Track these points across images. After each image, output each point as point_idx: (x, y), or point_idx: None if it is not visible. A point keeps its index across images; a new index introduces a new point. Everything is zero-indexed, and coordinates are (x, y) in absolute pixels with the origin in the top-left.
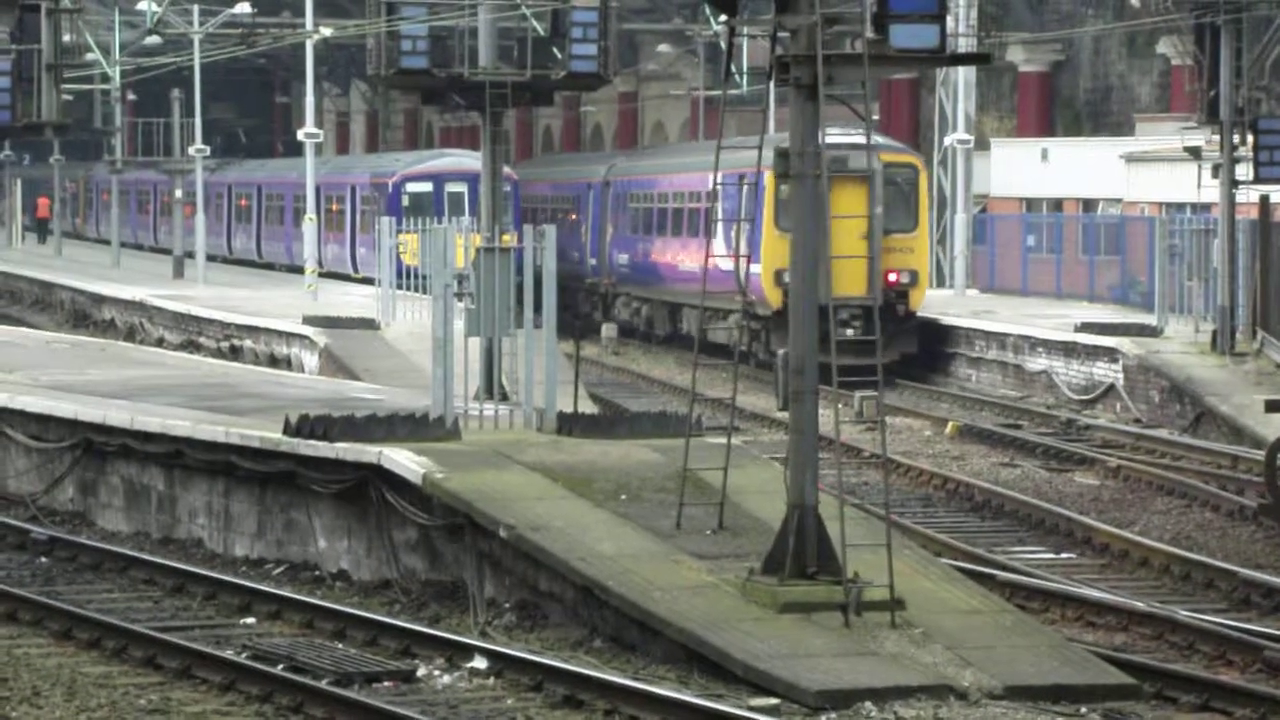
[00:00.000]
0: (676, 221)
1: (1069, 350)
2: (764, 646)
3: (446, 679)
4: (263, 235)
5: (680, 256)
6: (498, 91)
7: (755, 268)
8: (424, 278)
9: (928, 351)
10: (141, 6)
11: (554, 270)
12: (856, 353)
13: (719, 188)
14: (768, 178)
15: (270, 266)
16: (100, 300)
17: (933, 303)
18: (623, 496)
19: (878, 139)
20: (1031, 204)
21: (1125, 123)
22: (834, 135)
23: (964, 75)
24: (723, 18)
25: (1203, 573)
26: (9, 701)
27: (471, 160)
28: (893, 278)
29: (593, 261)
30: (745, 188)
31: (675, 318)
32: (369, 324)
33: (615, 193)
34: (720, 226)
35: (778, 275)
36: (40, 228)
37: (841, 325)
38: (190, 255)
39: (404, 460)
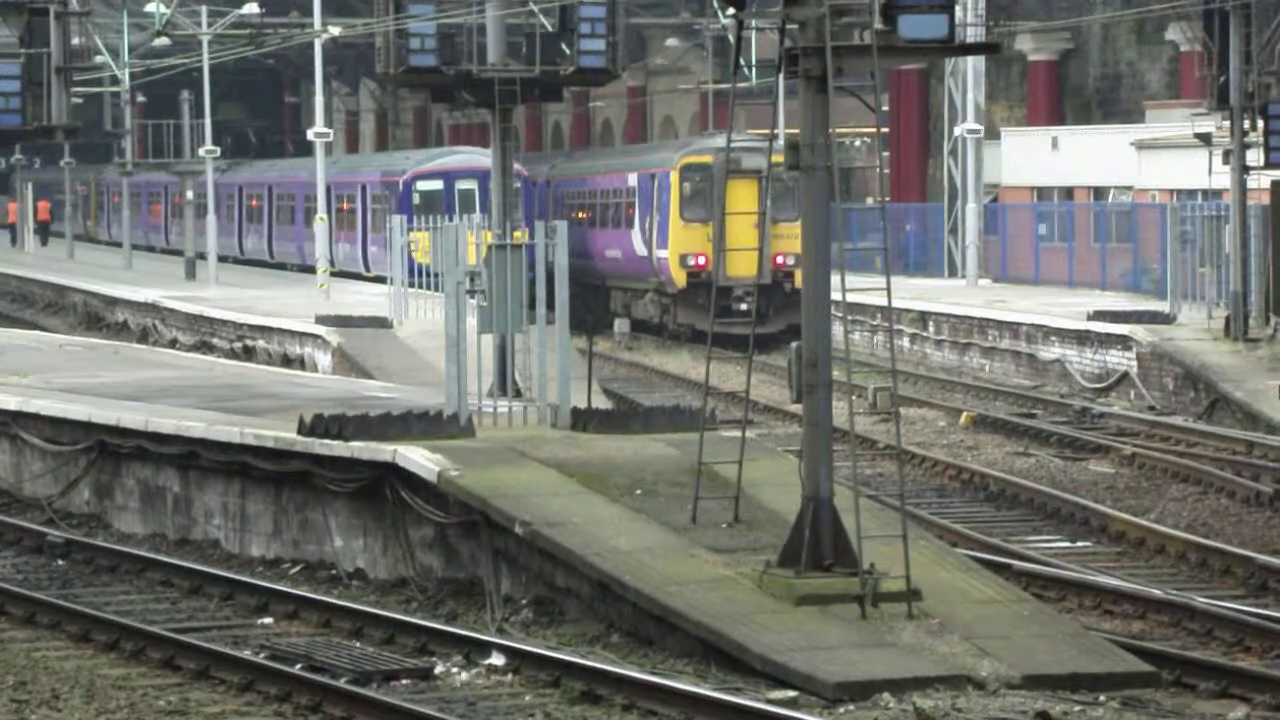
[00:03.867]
0: (603, 215)
1: (1082, 339)
2: (781, 639)
3: (464, 676)
4: (274, 235)
5: (605, 245)
6: (507, 88)
7: (663, 253)
8: (436, 275)
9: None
10: (150, 8)
11: (566, 266)
12: (747, 323)
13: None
14: (673, 176)
15: (282, 266)
16: (113, 303)
17: (940, 292)
18: (638, 491)
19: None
20: (1042, 193)
21: (1135, 110)
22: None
23: (973, 65)
24: (731, 11)
25: (1219, 559)
26: (28, 704)
27: (481, 157)
28: (780, 260)
29: None
30: (656, 185)
31: (605, 298)
32: (382, 323)
33: (555, 191)
34: (638, 218)
35: (682, 259)
36: (42, 230)
37: (736, 301)
38: (202, 256)
39: (419, 458)
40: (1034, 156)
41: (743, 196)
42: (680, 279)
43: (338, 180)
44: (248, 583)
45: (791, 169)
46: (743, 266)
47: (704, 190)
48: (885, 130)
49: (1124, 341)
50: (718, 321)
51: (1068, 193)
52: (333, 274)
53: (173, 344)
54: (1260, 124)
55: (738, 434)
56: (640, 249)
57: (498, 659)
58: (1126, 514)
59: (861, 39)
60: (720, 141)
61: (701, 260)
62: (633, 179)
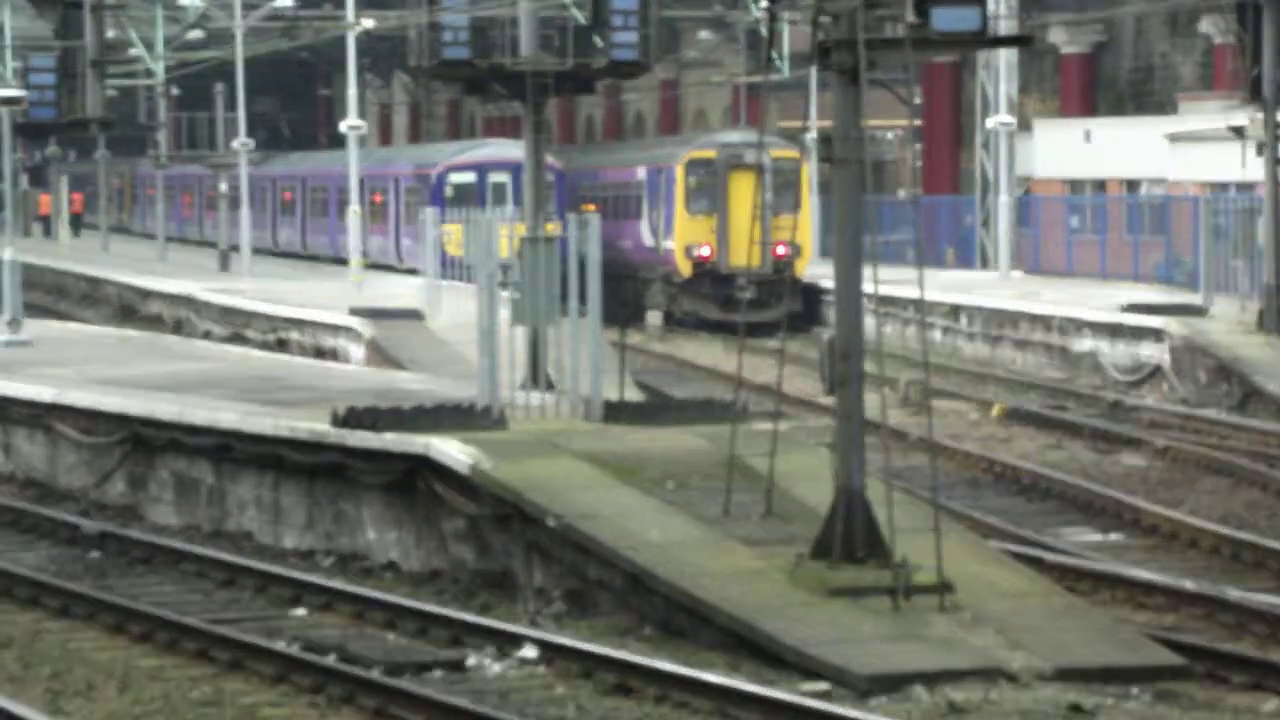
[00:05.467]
0: (614, 206)
1: (1115, 331)
2: (814, 631)
3: (497, 668)
4: (307, 228)
5: (616, 236)
6: (539, 81)
7: (670, 243)
8: (468, 268)
9: (810, 306)
10: (184, 1)
11: (599, 259)
12: (750, 310)
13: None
14: (678, 170)
15: (315, 259)
16: (147, 295)
17: (970, 284)
18: (670, 484)
19: (768, 137)
20: (1075, 185)
21: (1168, 103)
22: (733, 135)
23: (1006, 57)
24: (764, 3)
25: (1252, 552)
26: (63, 695)
27: (514, 150)
28: (780, 250)
29: None
30: (663, 179)
31: (614, 287)
32: (414, 315)
33: (570, 182)
34: (646, 210)
35: (687, 250)
36: (74, 222)
37: (739, 290)
38: (236, 249)
39: (452, 450)
40: (1067, 149)
41: (743, 189)
42: (686, 268)
43: (371, 173)
44: (281, 574)
45: (824, 161)
46: (744, 257)
47: (708, 184)
48: (918, 123)
49: (1157, 334)
50: (721, 310)
51: (1100, 185)
52: (366, 266)
53: (206, 336)
54: None
55: (770, 427)
56: (648, 240)
57: (530, 651)
58: (1159, 507)
59: (894, 32)
60: (724, 137)
61: (706, 251)
62: (641, 173)
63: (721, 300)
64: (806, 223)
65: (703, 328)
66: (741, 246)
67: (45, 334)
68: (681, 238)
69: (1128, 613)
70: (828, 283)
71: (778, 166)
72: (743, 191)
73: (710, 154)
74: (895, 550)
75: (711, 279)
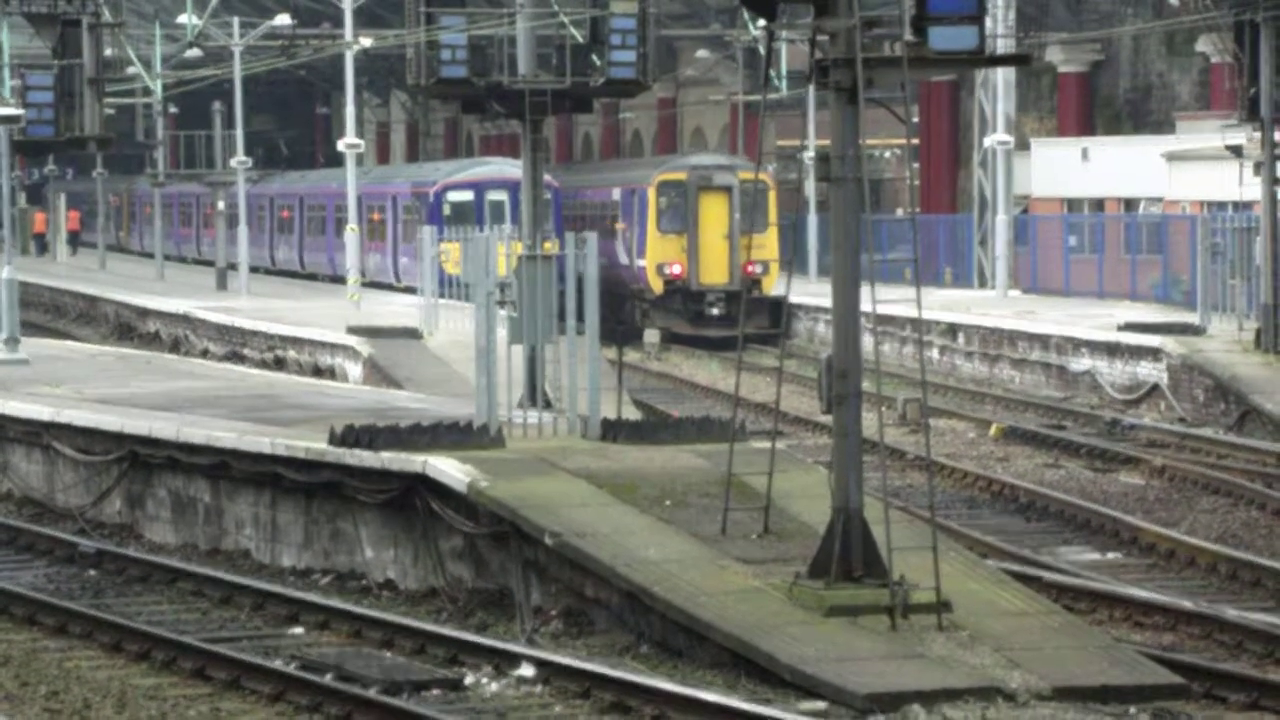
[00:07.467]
0: (592, 225)
1: (1112, 350)
2: (811, 650)
3: (494, 687)
4: (305, 246)
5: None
6: (537, 99)
7: (642, 261)
8: (466, 286)
9: (777, 321)
10: (182, 20)
11: (596, 277)
12: (719, 325)
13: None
14: (650, 192)
15: (313, 277)
16: (145, 313)
17: (968, 303)
18: (667, 502)
19: (736, 160)
20: (1073, 204)
21: (1166, 121)
22: (702, 158)
23: (1003, 76)
24: (761, 22)
25: (1250, 571)
26: (60, 715)
27: (512, 168)
28: (750, 268)
29: None
30: (636, 199)
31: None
32: (412, 333)
33: (555, 200)
34: (620, 229)
35: (659, 268)
36: (72, 240)
37: (709, 306)
38: (233, 267)
39: (449, 469)
40: (1064, 168)
41: (714, 210)
42: (657, 286)
43: (369, 191)
44: (278, 593)
45: (822, 180)
46: (715, 273)
47: (678, 204)
48: (915, 142)
49: (1154, 353)
50: (691, 325)
51: (1098, 204)
52: (363, 284)
53: (204, 354)
54: None
55: (767, 445)
56: (623, 258)
57: (527, 670)
58: (1157, 526)
59: (892, 50)
60: (694, 160)
61: (676, 269)
62: (616, 193)
63: (691, 316)
64: (774, 241)
65: (673, 342)
66: (710, 264)
67: (42, 352)
68: (653, 256)
69: (1125, 632)
70: (794, 298)
71: (746, 188)
72: (711, 212)
73: (680, 176)
74: (893, 569)
75: (682, 296)
